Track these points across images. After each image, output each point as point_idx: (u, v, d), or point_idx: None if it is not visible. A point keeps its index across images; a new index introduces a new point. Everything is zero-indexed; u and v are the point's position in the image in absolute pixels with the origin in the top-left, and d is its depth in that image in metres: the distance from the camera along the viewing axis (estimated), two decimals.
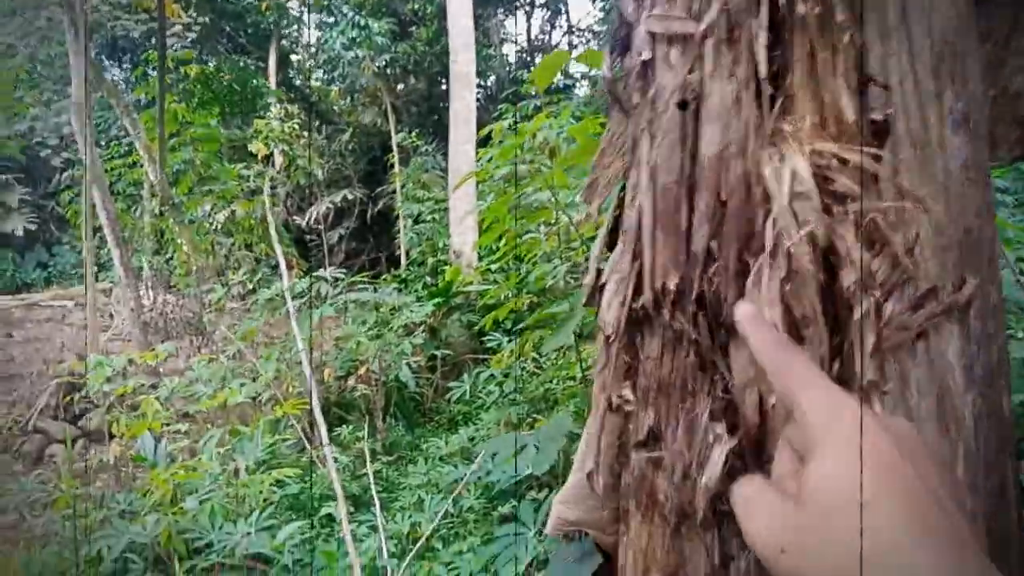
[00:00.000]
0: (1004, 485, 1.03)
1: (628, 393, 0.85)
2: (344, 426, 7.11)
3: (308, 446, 5.59)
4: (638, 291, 0.83)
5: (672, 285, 0.79)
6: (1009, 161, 1.68)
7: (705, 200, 0.76)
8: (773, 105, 0.74)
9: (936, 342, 0.93)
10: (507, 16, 20.37)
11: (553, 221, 5.43)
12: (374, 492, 3.80)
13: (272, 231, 7.04)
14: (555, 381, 6.89)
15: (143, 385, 7.46)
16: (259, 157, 12.06)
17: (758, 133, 0.74)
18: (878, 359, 0.77)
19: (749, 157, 0.74)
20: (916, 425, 0.93)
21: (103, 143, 16.16)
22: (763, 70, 0.73)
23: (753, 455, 0.77)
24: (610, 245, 1.11)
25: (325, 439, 3.65)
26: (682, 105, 0.78)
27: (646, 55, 0.81)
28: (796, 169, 0.71)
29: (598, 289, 1.11)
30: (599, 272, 1.10)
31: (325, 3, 17.33)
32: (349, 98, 18.55)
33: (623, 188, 1.09)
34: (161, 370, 9.49)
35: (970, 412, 0.97)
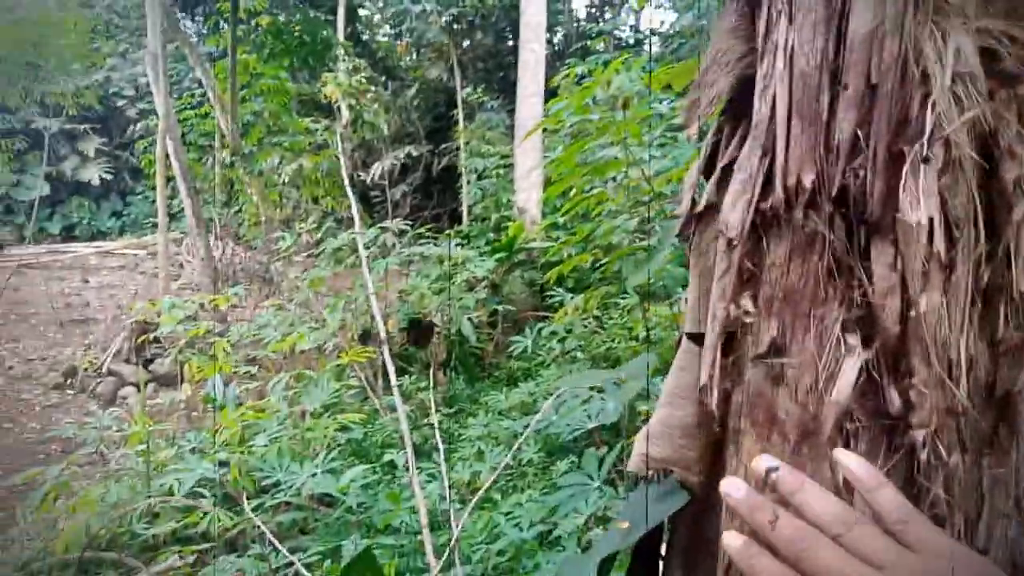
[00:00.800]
0: None
1: (749, 303, 0.79)
2: (406, 377, 7.19)
3: (371, 394, 5.65)
4: (767, 191, 0.76)
5: (808, 182, 0.72)
6: None
7: (853, 84, 0.69)
8: None
9: None
10: None
11: (624, 175, 5.32)
12: (439, 440, 3.82)
13: (345, 181, 7.07)
14: (617, 340, 6.82)
15: (212, 330, 7.65)
16: (332, 102, 12.07)
17: (918, 7, 0.66)
18: None
19: (906, 34, 0.66)
20: None
21: (177, 94, 16.47)
22: None
23: (890, 368, 0.71)
24: (707, 172, 1.04)
25: (395, 384, 3.66)
26: None
27: None
28: (961, 47, 0.64)
29: (694, 218, 1.04)
30: (694, 202, 1.04)
31: None
32: (415, 53, 18.50)
33: (724, 111, 1.02)
34: (228, 317, 9.72)
35: None
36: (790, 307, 0.76)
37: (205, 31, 16.72)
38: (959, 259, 0.68)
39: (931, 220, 0.63)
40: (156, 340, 8.77)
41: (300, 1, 17.44)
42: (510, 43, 16.44)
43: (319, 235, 9.47)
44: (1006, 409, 0.74)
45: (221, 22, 12.74)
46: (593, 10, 19.44)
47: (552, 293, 8.07)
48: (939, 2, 0.66)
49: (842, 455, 0.70)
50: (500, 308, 8.62)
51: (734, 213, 0.77)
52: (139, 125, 18.79)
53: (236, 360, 6.77)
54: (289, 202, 12.70)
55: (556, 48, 17.81)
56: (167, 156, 11.11)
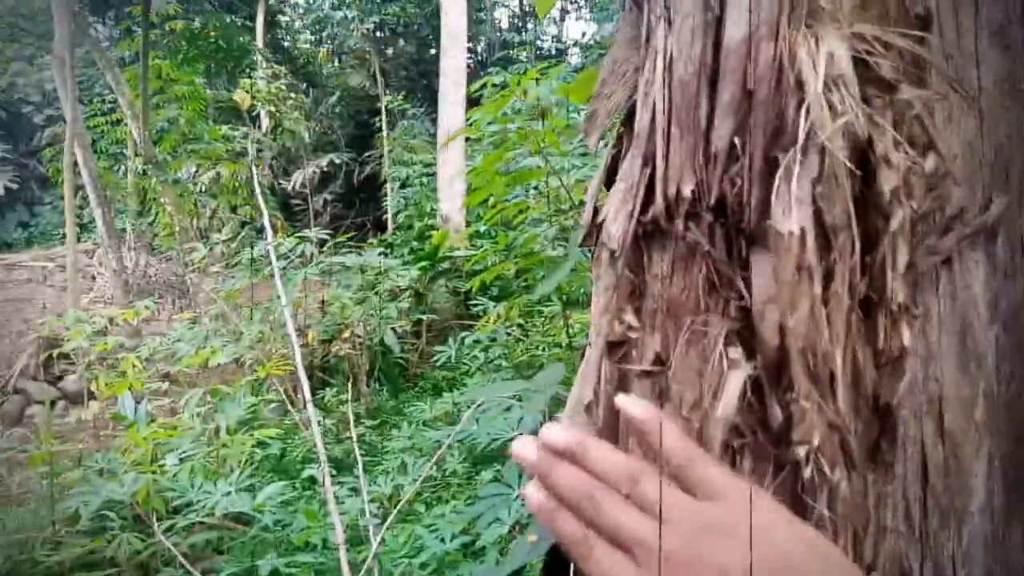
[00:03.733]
0: (1023, 428, 0.96)
1: (632, 317, 0.77)
2: (327, 389, 7.03)
3: (291, 408, 5.51)
4: (648, 201, 0.74)
5: (687, 191, 0.70)
6: None
7: (729, 90, 0.67)
8: None
9: (961, 273, 0.85)
10: None
11: (543, 183, 5.32)
12: (357, 454, 3.73)
13: (257, 190, 6.89)
14: (541, 348, 6.82)
15: (124, 345, 7.34)
16: (245, 109, 11.83)
17: (792, 12, 0.65)
18: (911, 278, 0.69)
19: (781, 40, 0.65)
20: (937, 362, 0.85)
21: (86, 100, 15.84)
22: None
23: (772, 382, 0.69)
24: (608, 183, 1.02)
25: (308, 399, 3.56)
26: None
27: None
28: (834, 52, 0.62)
29: (595, 228, 1.02)
30: (596, 211, 1.02)
31: None
32: (337, 60, 18.26)
33: (623, 121, 1.00)
34: (143, 331, 9.36)
35: (992, 350, 0.90)
36: (673, 320, 0.74)
37: (117, 35, 16.13)
38: (837, 269, 0.66)
39: (803, 229, 0.61)
40: (65, 356, 8.37)
41: (217, 6, 17.02)
42: (433, 51, 16.37)
43: (236, 244, 9.22)
44: (888, 422, 0.73)
45: (133, 26, 12.32)
46: (515, 20, 19.56)
47: (477, 302, 8.04)
48: (813, 6, 0.65)
49: (621, 399, 0.68)
50: (424, 317, 8.53)
51: (615, 224, 0.75)
52: (46, 132, 18.00)
53: (148, 376, 6.51)
54: (206, 211, 12.34)
55: (479, 57, 17.82)
56: (75, 164, 10.65)
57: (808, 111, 0.62)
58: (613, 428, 0.85)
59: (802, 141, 0.62)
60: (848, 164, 0.62)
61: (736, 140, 0.67)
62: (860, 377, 0.70)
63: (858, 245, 0.65)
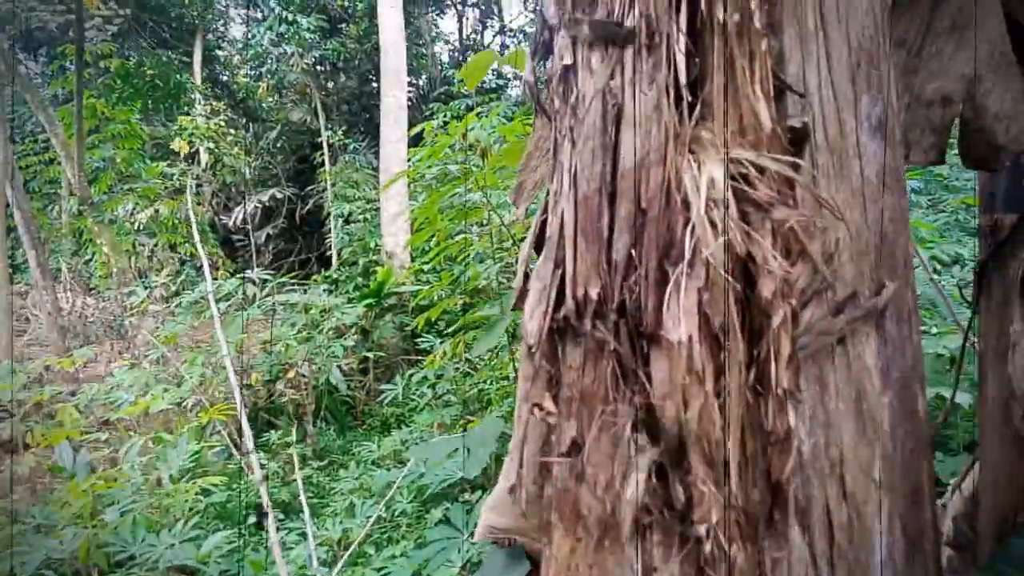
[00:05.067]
0: (919, 486, 1.05)
1: (550, 404, 0.84)
2: (273, 431, 6.95)
3: (236, 452, 5.44)
4: (560, 300, 0.81)
5: (593, 294, 0.77)
6: (923, 166, 1.73)
7: (625, 208, 0.75)
8: (692, 112, 0.73)
9: (854, 346, 0.94)
10: (439, 15, 20.23)
11: (485, 221, 5.40)
12: (303, 499, 3.71)
13: (195, 230, 6.83)
14: (488, 382, 6.86)
15: (61, 392, 7.15)
16: (181, 155, 11.73)
17: (677, 140, 0.73)
18: (794, 367, 0.77)
19: (669, 164, 0.73)
20: (836, 428, 0.94)
21: (18, 139, 15.46)
22: (682, 76, 0.72)
23: (675, 466, 0.77)
24: (537, 248, 1.10)
25: (250, 446, 3.55)
26: (603, 113, 0.76)
27: (567, 60, 0.79)
28: (713, 177, 0.71)
29: (526, 292, 1.09)
30: (527, 275, 1.09)
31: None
32: (277, 95, 18.17)
33: (547, 193, 1.08)
34: (81, 376, 9.12)
35: (887, 414, 0.99)
36: (586, 408, 0.81)
37: (49, 73, 15.82)
38: (726, 364, 0.74)
39: (691, 338, 0.69)
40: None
41: (153, 43, 16.83)
42: (375, 85, 16.45)
43: (176, 285, 9.08)
44: (780, 496, 0.81)
45: (66, 65, 12.13)
46: (456, 54, 19.76)
47: (424, 337, 8.05)
48: (696, 134, 0.74)
49: None
50: (371, 355, 8.50)
51: (532, 322, 0.82)
52: None
53: (87, 423, 6.35)
54: (144, 250, 12.12)
55: (421, 91, 17.93)
56: (7, 206, 10.38)
57: (693, 230, 0.71)
58: (538, 505, 0.92)
59: (689, 256, 0.70)
60: (729, 278, 0.70)
61: (633, 252, 0.75)
62: (752, 458, 0.78)
63: (742, 343, 0.73)
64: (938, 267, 5.59)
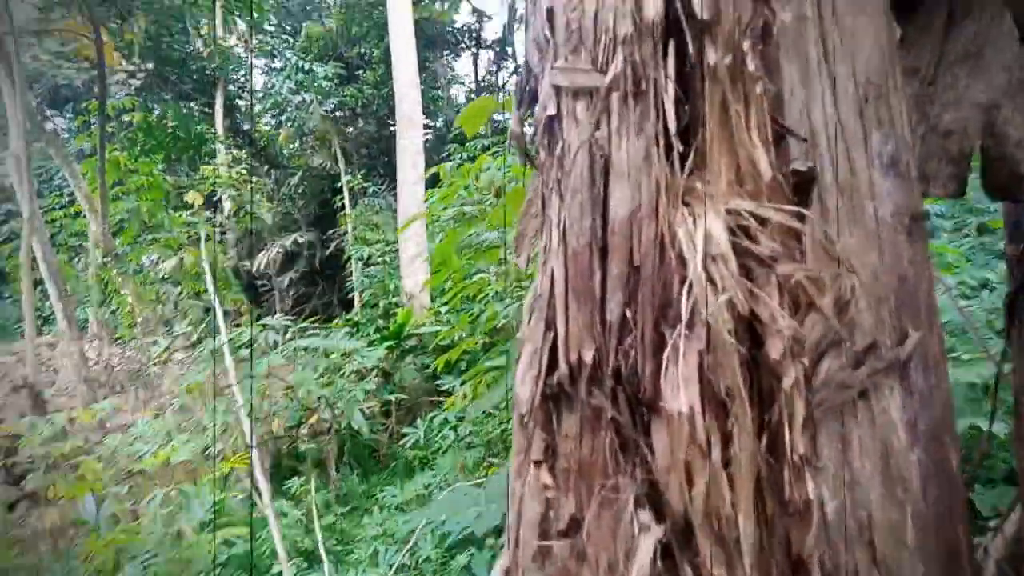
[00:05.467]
0: (955, 548, 0.98)
1: (547, 477, 0.78)
2: (296, 478, 6.88)
3: (258, 501, 5.38)
4: (553, 364, 0.75)
5: (588, 357, 0.72)
6: (945, 198, 1.66)
7: (617, 265, 0.70)
8: (685, 162, 0.68)
9: (877, 399, 0.88)
10: (454, 58, 20.47)
11: (503, 260, 5.37)
12: (322, 551, 3.65)
13: (209, 282, 6.86)
14: (511, 423, 6.77)
15: (86, 442, 7.15)
16: (195, 206, 11.89)
17: (670, 192, 0.68)
18: (809, 432, 0.71)
19: (661, 218, 0.68)
20: (863, 488, 0.87)
21: (45, 192, 15.78)
22: (672, 124, 0.67)
23: (682, 544, 0.70)
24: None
25: (267, 500, 3.49)
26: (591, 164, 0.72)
27: (551, 110, 0.75)
28: (711, 230, 0.66)
29: None
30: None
31: (268, 48, 17.26)
32: (298, 141, 18.42)
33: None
34: (108, 426, 9.14)
35: (916, 472, 0.92)
36: (585, 482, 0.75)
37: (75, 128, 16.18)
38: (734, 433, 0.68)
39: (692, 408, 0.63)
40: (29, 457, 8.12)
41: (175, 96, 17.17)
42: (393, 128, 16.64)
43: (199, 333, 9.12)
44: (801, 570, 0.74)
45: (90, 120, 12.38)
46: (472, 96, 19.93)
47: (445, 380, 7.98)
48: (690, 185, 0.68)
49: None
50: (393, 397, 8.44)
51: (524, 388, 0.76)
52: (4, 227, 17.83)
53: (110, 475, 6.34)
54: (169, 298, 12.22)
55: (438, 132, 18.09)
56: (34, 259, 10.54)
57: (691, 288, 0.65)
58: None
59: (687, 317, 0.65)
60: (732, 340, 0.64)
61: (628, 312, 0.69)
62: (770, 532, 0.71)
63: (749, 408, 0.67)
64: (966, 292, 5.46)
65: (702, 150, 0.68)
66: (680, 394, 0.63)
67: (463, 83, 20.60)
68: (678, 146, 0.67)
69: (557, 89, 0.73)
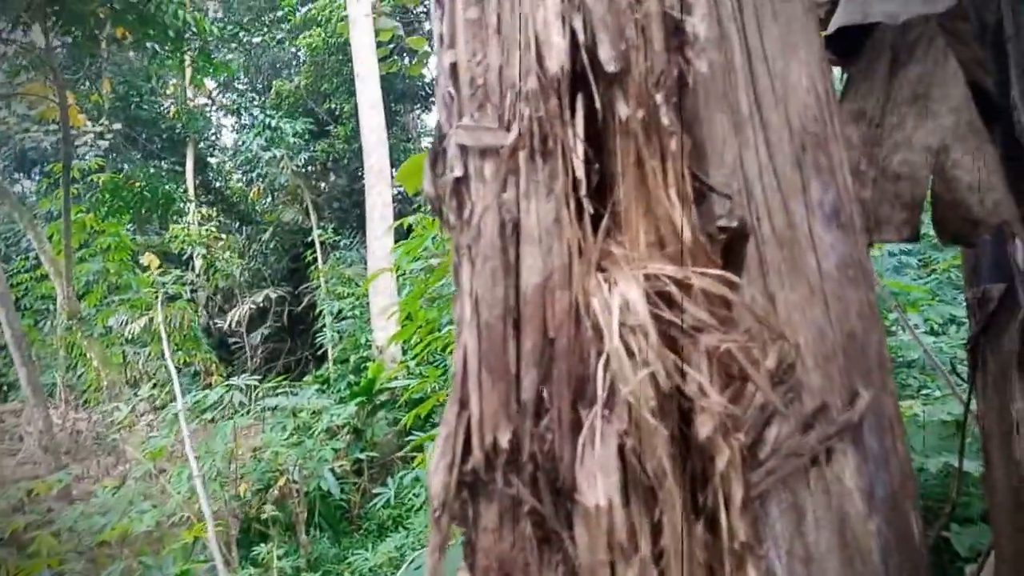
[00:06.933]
0: None
1: (466, 575, 0.70)
2: (264, 544, 6.67)
3: (222, 571, 5.18)
4: (467, 450, 0.68)
5: (504, 441, 0.65)
6: (897, 242, 1.63)
7: (531, 338, 0.63)
8: (599, 224, 0.62)
9: (831, 466, 0.82)
10: (424, 111, 20.66)
11: None
12: None
13: (165, 346, 6.73)
14: None
15: (47, 513, 6.92)
16: (150, 268, 11.79)
17: (583, 257, 0.62)
18: (750, 515, 0.65)
19: (575, 286, 0.62)
20: (818, 564, 0.81)
21: (14, 256, 15.57)
22: (583, 184, 0.61)
23: None
24: None
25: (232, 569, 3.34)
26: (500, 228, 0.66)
27: (458, 171, 0.69)
28: (628, 298, 0.60)
29: None
30: None
31: (236, 106, 17.30)
32: (270, 197, 18.40)
33: None
34: (75, 493, 8.84)
35: (876, 543, 0.85)
36: None
37: (42, 191, 16.05)
38: (665, 520, 0.61)
39: (610, 502, 0.56)
40: None
41: (144, 155, 17.13)
42: (364, 182, 16.70)
43: (161, 397, 8.92)
44: None
45: (57, 182, 12.29)
46: None
47: (417, 435, 7.84)
48: (606, 249, 0.63)
49: None
50: (363, 455, 8.27)
51: (436, 478, 0.69)
52: None
53: (70, 549, 6.09)
54: (138, 359, 12.00)
55: None
56: None
57: (608, 363, 0.59)
58: None
59: (604, 396, 0.58)
60: (655, 420, 0.58)
61: (544, 390, 0.63)
62: None
63: (679, 492, 0.61)
64: (935, 327, 5.47)
65: (617, 211, 0.62)
66: (597, 484, 0.56)
67: (432, 136, 20.77)
68: (590, 208, 0.61)
69: (463, 148, 0.68)
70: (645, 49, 0.60)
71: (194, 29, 10.32)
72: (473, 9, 0.68)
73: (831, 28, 1.42)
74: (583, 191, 0.61)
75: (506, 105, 0.65)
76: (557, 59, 0.60)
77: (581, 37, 0.60)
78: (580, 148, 0.61)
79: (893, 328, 4.61)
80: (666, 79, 0.61)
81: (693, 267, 0.62)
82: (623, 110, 0.61)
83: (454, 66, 0.68)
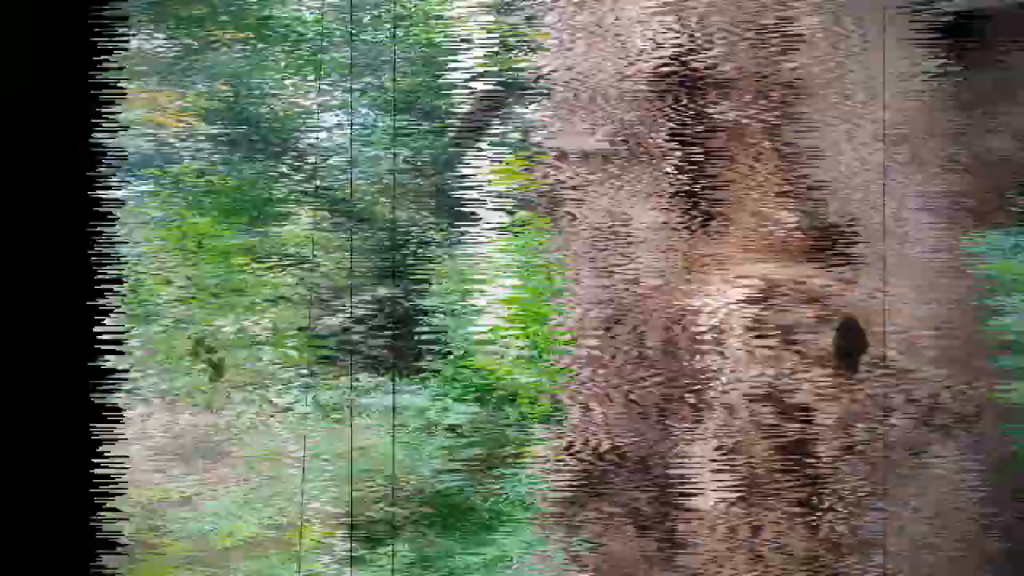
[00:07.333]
0: None
1: None
2: (381, 545, 6.87)
3: (347, 569, 5.35)
4: (579, 449, 0.70)
5: (614, 442, 0.66)
6: (1001, 227, 1.59)
7: (639, 339, 0.64)
8: (705, 225, 0.63)
9: (938, 455, 0.81)
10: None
11: None
12: None
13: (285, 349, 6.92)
14: None
15: (166, 515, 7.26)
16: (260, 269, 12.21)
17: (686, 258, 0.62)
18: (858, 510, 0.63)
19: (679, 286, 0.62)
20: (922, 552, 0.79)
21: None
22: (684, 187, 0.62)
23: None
24: None
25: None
26: None
27: (558, 173, 0.70)
28: (729, 298, 0.60)
29: None
30: None
31: (342, 106, 17.83)
32: (378, 195, 18.97)
33: None
34: (193, 496, 9.33)
35: (979, 528, 0.84)
36: None
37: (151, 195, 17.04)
38: (768, 516, 0.61)
39: (714, 502, 0.56)
40: None
41: (249, 157, 17.94)
42: (469, 179, 17.00)
43: (276, 399, 9.29)
44: None
45: (165, 185, 13.07)
46: None
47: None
48: (707, 250, 0.63)
49: None
50: (473, 452, 8.40)
51: (548, 477, 0.70)
52: None
53: (191, 553, 6.40)
54: (254, 360, 12.59)
55: None
56: None
57: (712, 364, 0.59)
58: None
59: (706, 397, 0.59)
60: (753, 420, 0.58)
61: (650, 391, 0.63)
62: None
63: (781, 496, 0.60)
64: None
65: (721, 212, 0.62)
66: (703, 485, 0.56)
67: None
68: (692, 210, 0.62)
69: (562, 152, 0.69)
70: (749, 52, 0.60)
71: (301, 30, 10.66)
72: (571, 12, 0.69)
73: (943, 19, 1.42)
74: (682, 192, 0.62)
75: (603, 109, 0.66)
76: (654, 63, 0.61)
77: (682, 41, 0.60)
78: (677, 151, 0.61)
79: (998, 310, 4.39)
80: (770, 81, 0.61)
81: (799, 265, 0.62)
82: (727, 113, 0.62)
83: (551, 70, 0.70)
